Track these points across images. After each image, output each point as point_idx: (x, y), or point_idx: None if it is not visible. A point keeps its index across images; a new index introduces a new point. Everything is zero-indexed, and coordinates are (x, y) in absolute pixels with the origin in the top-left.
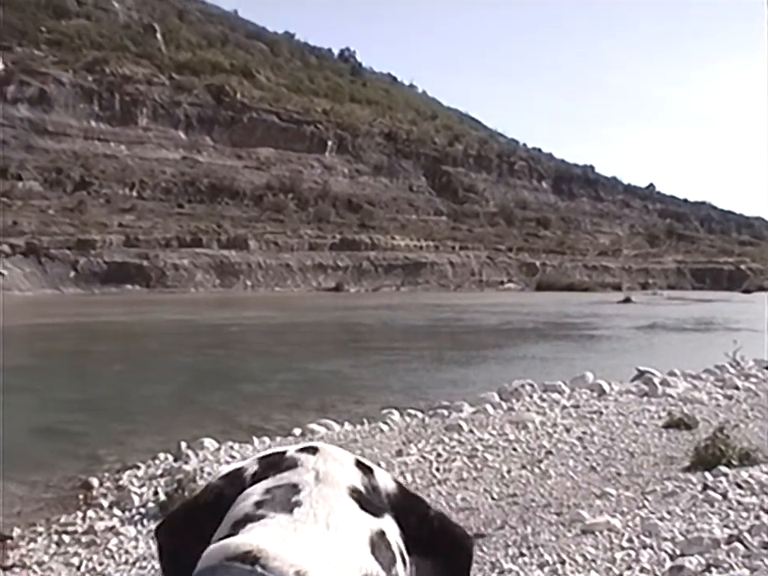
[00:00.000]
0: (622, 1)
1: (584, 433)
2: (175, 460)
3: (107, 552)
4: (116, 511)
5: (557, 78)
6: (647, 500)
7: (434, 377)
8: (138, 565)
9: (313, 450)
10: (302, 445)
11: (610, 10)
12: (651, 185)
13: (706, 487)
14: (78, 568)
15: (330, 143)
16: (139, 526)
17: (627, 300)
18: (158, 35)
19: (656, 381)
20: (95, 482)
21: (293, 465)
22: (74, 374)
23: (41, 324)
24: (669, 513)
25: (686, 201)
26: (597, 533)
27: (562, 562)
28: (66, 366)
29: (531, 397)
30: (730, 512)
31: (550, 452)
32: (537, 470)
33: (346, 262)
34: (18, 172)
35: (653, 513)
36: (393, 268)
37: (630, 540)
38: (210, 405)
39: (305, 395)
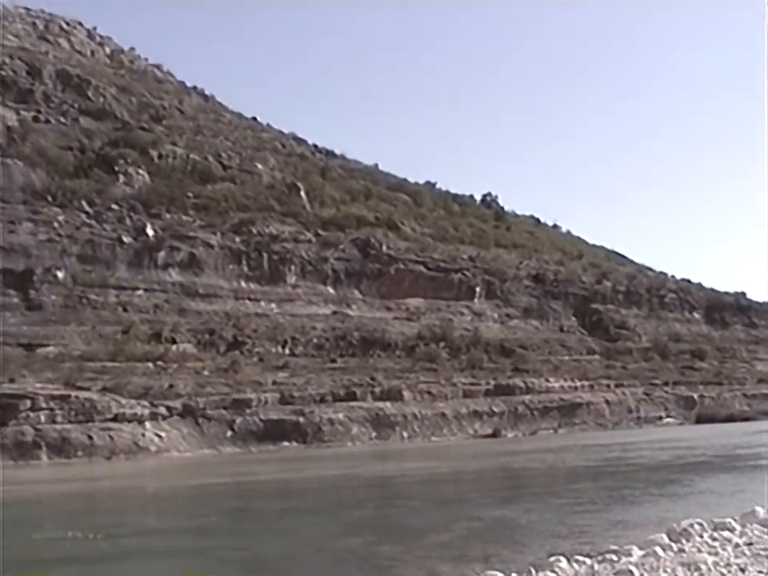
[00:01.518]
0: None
1: (760, 572)
2: None
3: None
4: None
5: (698, 207)
6: None
7: (601, 518)
8: None
9: None
10: None
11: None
12: None
13: None
14: None
15: (478, 289)
16: None
17: None
18: (302, 193)
19: None
20: None
21: None
22: (246, 533)
23: (203, 484)
24: None
25: None
26: None
27: None
28: (237, 525)
29: (702, 536)
30: None
31: None
32: None
33: (501, 408)
34: (171, 335)
35: None
36: (548, 410)
37: None
38: (383, 556)
39: (471, 544)
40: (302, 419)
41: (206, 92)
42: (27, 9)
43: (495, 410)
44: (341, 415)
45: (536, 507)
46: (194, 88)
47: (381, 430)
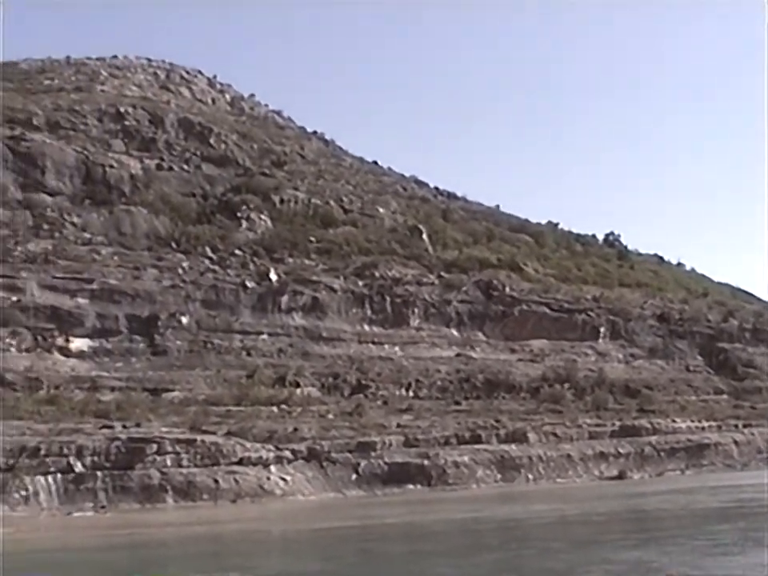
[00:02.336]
0: None
1: None
2: None
3: None
4: None
5: None
6: None
7: (740, 561)
8: None
9: None
10: None
11: None
12: None
13: None
14: None
15: (602, 329)
16: None
17: None
18: (425, 236)
19: None
20: None
21: None
22: None
23: (328, 527)
24: None
25: None
26: None
27: None
28: (363, 568)
29: None
30: None
31: None
32: None
33: (627, 449)
34: (296, 379)
35: None
36: (675, 451)
37: None
38: None
39: None
40: (426, 462)
41: (327, 137)
42: (149, 60)
43: (621, 451)
44: (465, 458)
45: (672, 549)
46: (315, 133)
47: (506, 473)
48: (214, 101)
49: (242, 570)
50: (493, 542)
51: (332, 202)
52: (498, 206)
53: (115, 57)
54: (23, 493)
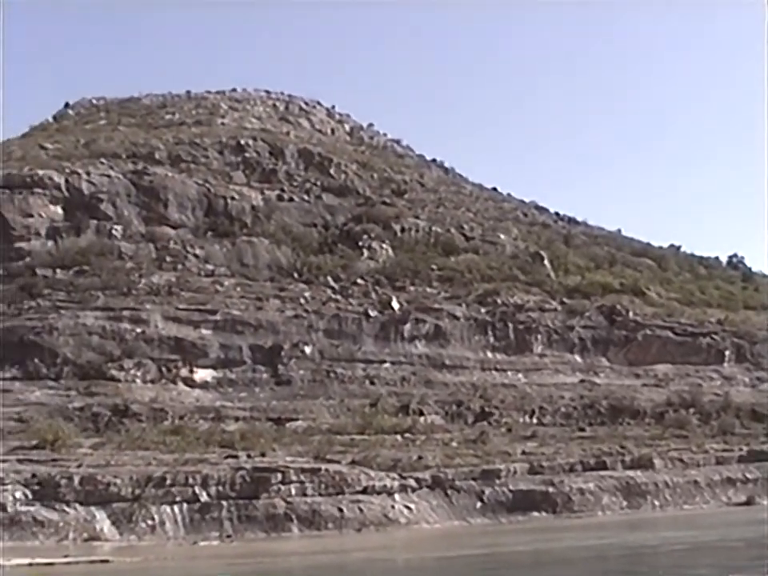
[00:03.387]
0: None
1: None
2: None
3: None
4: None
5: None
6: None
7: None
8: None
9: None
10: None
11: None
12: None
13: None
14: None
15: (727, 353)
16: None
17: None
18: (546, 262)
19: None
20: None
21: None
22: None
23: (452, 556)
24: None
25: None
26: None
27: None
28: None
29: None
30: None
31: None
32: None
33: (755, 474)
34: (419, 407)
35: None
36: None
37: None
38: None
39: None
40: (551, 489)
41: (446, 164)
42: (267, 92)
43: (749, 476)
44: (591, 485)
45: None
46: (434, 161)
47: (631, 499)
48: (333, 131)
49: None
50: (630, 569)
51: (453, 230)
52: (619, 230)
53: (234, 90)
54: (150, 522)
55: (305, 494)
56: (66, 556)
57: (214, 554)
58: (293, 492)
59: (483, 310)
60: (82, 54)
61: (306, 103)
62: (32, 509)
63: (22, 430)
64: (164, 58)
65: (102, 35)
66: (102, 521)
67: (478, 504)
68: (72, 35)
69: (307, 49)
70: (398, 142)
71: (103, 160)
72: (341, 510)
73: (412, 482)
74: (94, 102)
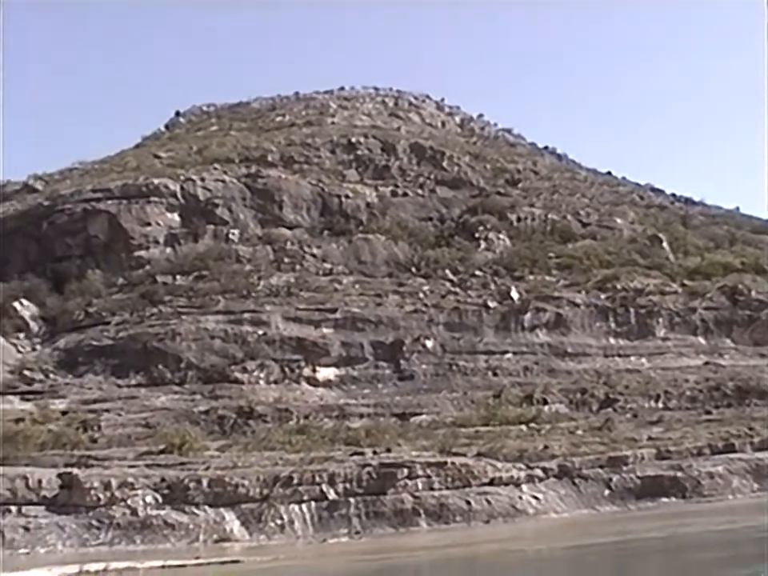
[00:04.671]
0: None
1: None
2: None
3: None
4: None
5: None
6: None
7: None
8: None
9: None
10: None
11: None
12: None
13: None
14: None
15: None
16: None
17: None
18: (665, 244)
19: None
20: None
21: None
22: None
23: (582, 545)
24: None
25: None
26: None
27: None
28: None
29: None
30: None
31: None
32: None
33: None
34: (543, 396)
35: None
36: None
37: None
38: None
39: None
40: (680, 474)
41: (559, 151)
42: (376, 88)
43: None
44: (720, 468)
45: None
46: (546, 148)
47: (762, 482)
48: (443, 124)
49: None
50: (765, 552)
51: (569, 217)
52: (737, 208)
53: (342, 88)
54: (279, 522)
55: (432, 488)
56: (197, 558)
57: (344, 551)
58: (420, 486)
59: (603, 296)
60: (189, 63)
61: (416, 98)
62: (162, 512)
63: (150, 435)
64: (271, 61)
65: (208, 42)
66: (232, 522)
67: (606, 492)
68: (178, 44)
69: (413, 44)
70: (509, 131)
71: (217, 165)
72: (468, 503)
73: (539, 472)
74: (205, 108)
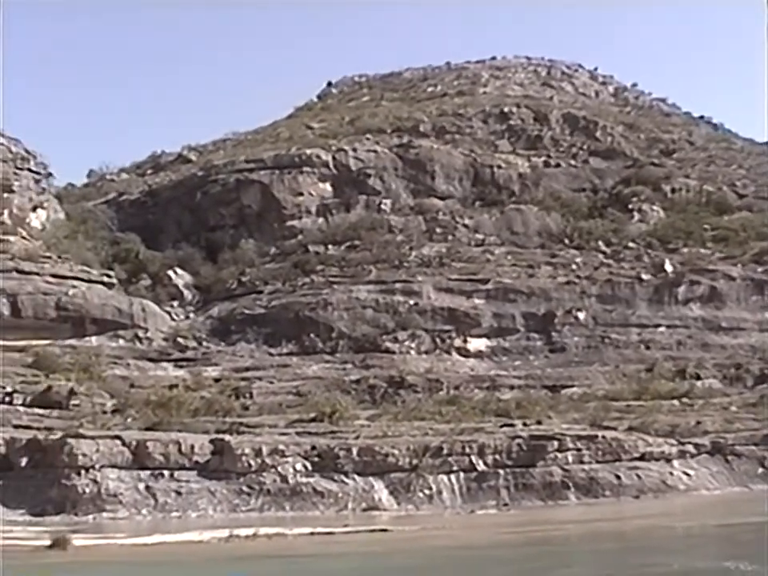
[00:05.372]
0: None
1: None
2: None
3: None
4: None
5: None
6: None
7: None
8: None
9: None
10: None
11: None
12: None
13: None
14: None
15: None
16: None
17: None
18: None
19: None
20: None
21: None
22: None
23: (732, 523)
24: None
25: None
26: None
27: None
28: None
29: None
30: None
31: None
32: None
33: None
34: (696, 371)
35: None
36: None
37: None
38: None
39: None
40: None
41: (714, 120)
42: (528, 58)
43: None
44: None
45: None
46: (701, 117)
47: None
48: (597, 93)
49: (642, 567)
50: None
51: (725, 188)
52: None
53: (494, 58)
54: (427, 492)
55: (582, 462)
56: (345, 525)
57: (491, 523)
58: (569, 460)
59: (760, 269)
60: (341, 33)
61: (568, 67)
62: (312, 480)
63: (301, 403)
64: (422, 31)
65: (361, 12)
66: (380, 491)
67: (760, 470)
68: (330, 15)
69: (565, 13)
70: (663, 100)
71: (369, 136)
72: (618, 478)
73: (691, 448)
74: (356, 79)
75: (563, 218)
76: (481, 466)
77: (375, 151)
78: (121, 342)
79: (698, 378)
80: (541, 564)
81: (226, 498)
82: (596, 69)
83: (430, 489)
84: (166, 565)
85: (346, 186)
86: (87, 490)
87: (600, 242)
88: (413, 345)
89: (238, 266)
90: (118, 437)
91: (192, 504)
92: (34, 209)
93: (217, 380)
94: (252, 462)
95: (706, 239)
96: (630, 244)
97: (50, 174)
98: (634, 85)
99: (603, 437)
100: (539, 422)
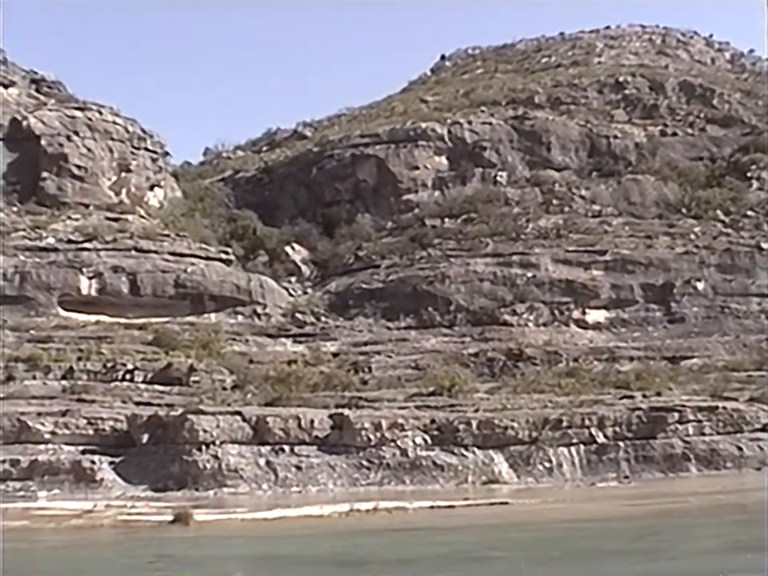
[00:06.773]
0: None
1: None
2: None
3: None
4: None
5: None
6: None
7: None
8: None
9: None
10: None
11: None
12: None
13: None
14: None
15: None
16: None
17: None
18: None
19: None
20: None
21: None
22: None
23: None
24: None
25: None
26: None
27: None
28: None
29: None
30: None
31: None
32: None
33: None
34: None
35: None
36: None
37: None
38: None
39: None
40: None
41: None
42: (642, 26)
43: None
44: None
45: None
46: None
47: None
48: (713, 60)
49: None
50: None
51: None
52: None
53: (608, 27)
54: (547, 464)
55: (702, 433)
56: (465, 499)
57: (612, 495)
58: (690, 431)
59: None
60: (454, 5)
61: (683, 34)
62: (432, 453)
63: (419, 377)
64: (536, 2)
65: None
66: (500, 464)
67: None
68: None
69: None
70: None
71: (483, 108)
72: (740, 449)
73: None
74: (470, 51)
75: (681, 188)
76: (601, 439)
77: (490, 123)
78: (239, 318)
79: None
80: (665, 537)
81: (345, 472)
82: (711, 36)
83: (550, 462)
84: (287, 539)
85: (461, 159)
86: (208, 466)
87: (718, 211)
88: (531, 317)
89: (354, 240)
90: (238, 412)
91: (312, 479)
92: (152, 188)
93: (335, 355)
94: (371, 436)
95: None
96: (749, 212)
97: (167, 153)
98: (751, 51)
99: (724, 408)
100: (659, 394)
